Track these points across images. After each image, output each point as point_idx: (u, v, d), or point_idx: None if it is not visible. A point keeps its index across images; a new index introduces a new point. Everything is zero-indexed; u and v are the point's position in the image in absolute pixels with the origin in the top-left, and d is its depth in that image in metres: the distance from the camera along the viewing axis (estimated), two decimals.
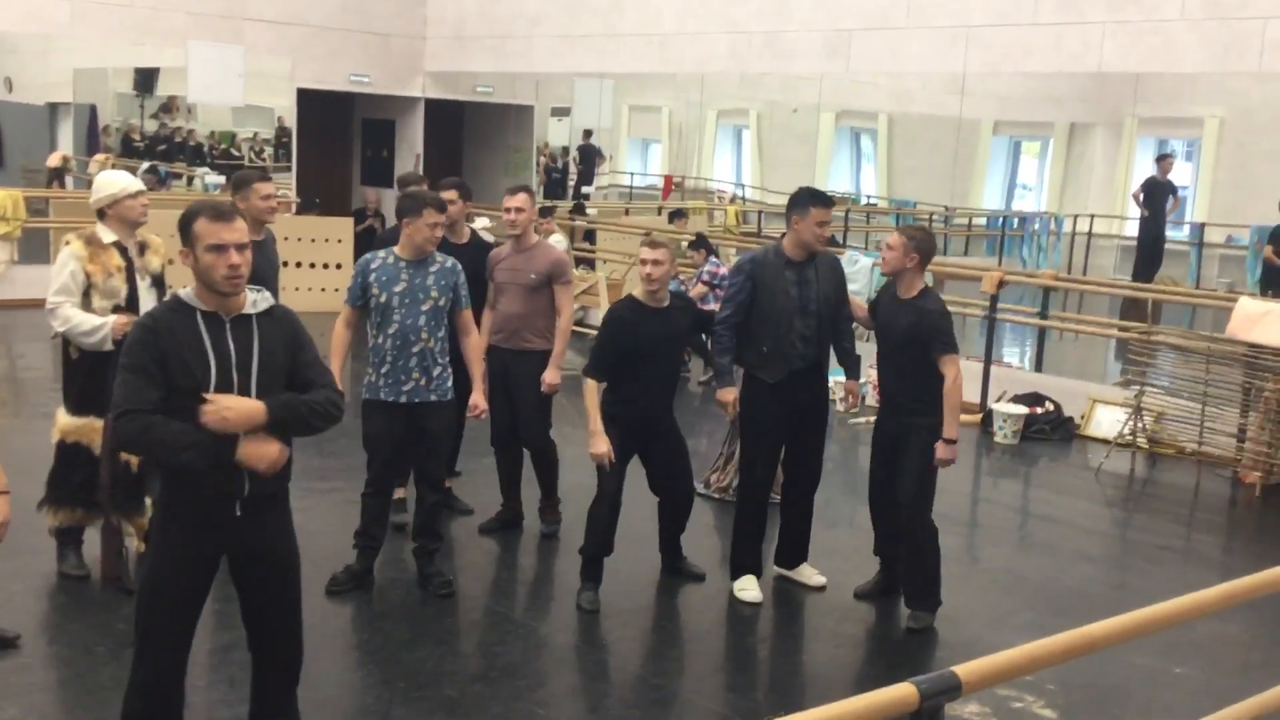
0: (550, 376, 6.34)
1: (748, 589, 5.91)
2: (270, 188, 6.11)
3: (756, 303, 5.74)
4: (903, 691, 2.35)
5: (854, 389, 6.25)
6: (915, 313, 5.58)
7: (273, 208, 6.06)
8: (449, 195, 6.47)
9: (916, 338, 5.55)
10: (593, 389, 5.67)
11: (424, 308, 5.61)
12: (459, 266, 5.82)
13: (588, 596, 5.73)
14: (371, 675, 4.91)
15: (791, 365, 5.76)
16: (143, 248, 5.42)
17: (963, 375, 5.60)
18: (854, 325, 6.09)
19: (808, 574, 6.14)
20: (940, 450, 5.57)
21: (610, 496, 5.73)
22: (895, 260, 5.65)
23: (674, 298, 5.83)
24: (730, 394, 5.89)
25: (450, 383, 5.77)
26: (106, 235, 5.33)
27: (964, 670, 2.46)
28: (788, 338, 5.72)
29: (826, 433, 6.11)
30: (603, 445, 5.58)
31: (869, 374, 9.37)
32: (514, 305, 6.43)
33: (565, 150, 19.76)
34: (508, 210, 6.47)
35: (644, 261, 5.61)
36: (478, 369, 5.99)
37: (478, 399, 5.96)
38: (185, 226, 3.60)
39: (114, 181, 5.42)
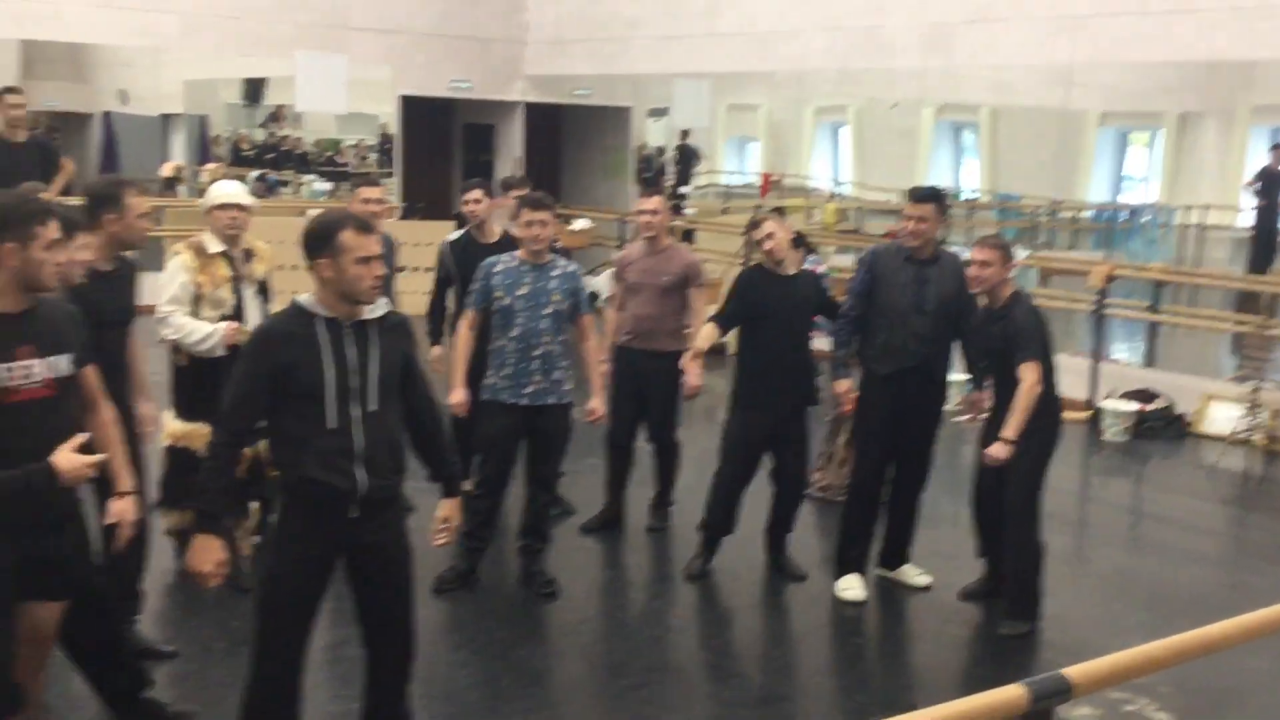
0: (694, 380, 6.11)
1: (851, 588, 5.88)
2: (374, 192, 6.29)
3: (874, 295, 5.79)
4: (1013, 693, 2.32)
5: (977, 401, 5.85)
6: (1004, 325, 5.49)
7: (374, 212, 6.18)
8: (474, 195, 6.65)
9: (1008, 350, 5.48)
10: (710, 330, 5.96)
11: (546, 311, 5.64)
12: (579, 271, 5.90)
13: (696, 564, 6.01)
14: (477, 673, 4.97)
15: (903, 362, 5.74)
16: (248, 255, 5.53)
17: (1040, 385, 5.39)
18: None
19: (910, 574, 6.09)
20: (995, 448, 5.44)
21: (730, 477, 5.94)
22: (993, 275, 5.48)
23: (802, 271, 6.11)
24: (844, 385, 5.94)
25: (569, 385, 5.81)
26: (213, 245, 5.42)
27: (1075, 672, 2.42)
28: (901, 333, 5.72)
29: (936, 435, 6.02)
30: (695, 373, 5.95)
31: None
32: (648, 307, 6.51)
33: (660, 150, 19.79)
34: (641, 213, 6.64)
35: (763, 237, 5.87)
36: (597, 373, 6.01)
37: (596, 404, 5.96)
38: (327, 237, 3.63)
39: (210, 191, 5.60)
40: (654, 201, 6.58)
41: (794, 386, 5.92)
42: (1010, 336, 5.45)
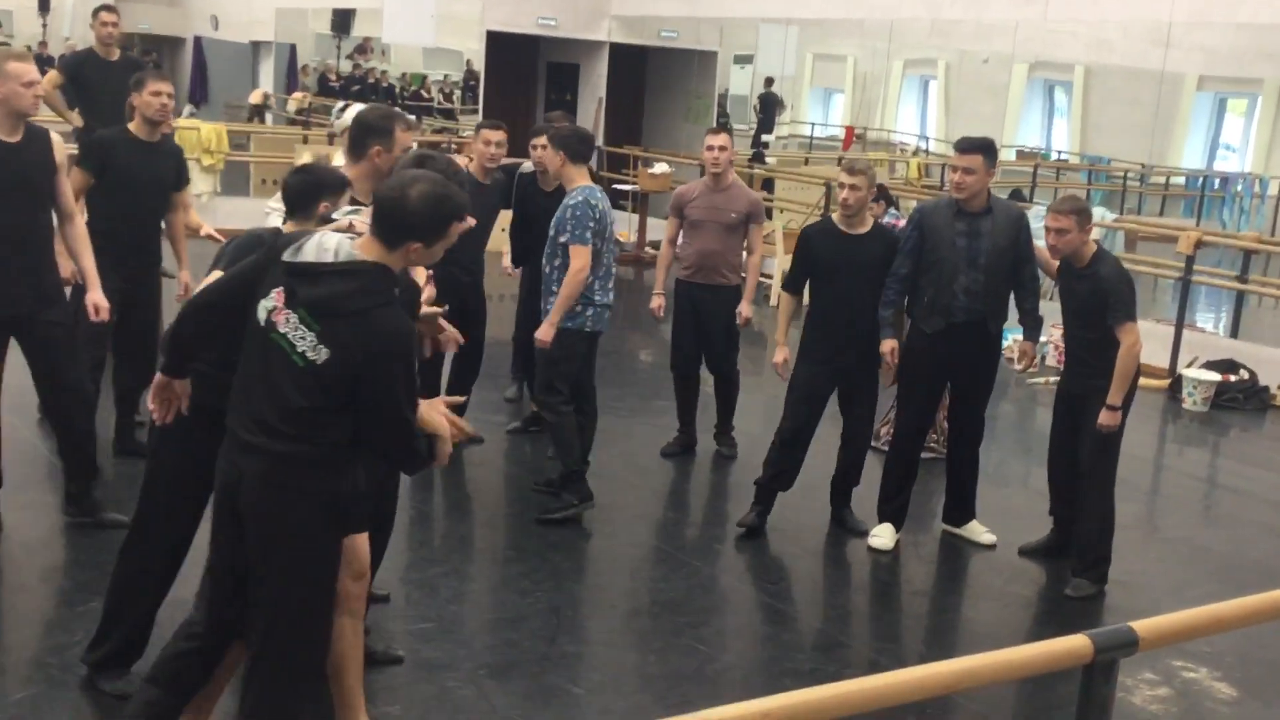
0: (746, 310, 6.76)
1: (879, 535, 5.87)
2: (497, 134, 6.53)
3: (923, 252, 5.64)
4: (1077, 643, 2.30)
5: (1029, 350, 5.90)
6: (1093, 281, 5.40)
7: (494, 155, 6.49)
8: (540, 140, 6.57)
9: (1096, 306, 5.39)
10: (786, 302, 6.01)
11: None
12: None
13: (749, 516, 5.92)
14: (538, 603, 5.03)
15: (952, 318, 5.62)
16: None
17: (1141, 344, 5.39)
18: (1040, 283, 5.88)
19: (976, 531, 6.02)
20: (1103, 416, 5.39)
21: (792, 431, 5.85)
22: (1073, 241, 5.39)
23: (877, 229, 5.87)
24: (888, 344, 5.73)
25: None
26: (336, 158, 5.48)
27: (1142, 626, 2.40)
28: (949, 289, 5.59)
29: (990, 389, 5.93)
30: (780, 355, 6.05)
31: (1050, 333, 9.11)
32: (711, 242, 6.74)
33: (723, 97, 19.57)
34: (710, 148, 6.76)
35: (841, 186, 5.71)
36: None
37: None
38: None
39: (347, 116, 5.65)
40: (721, 138, 6.75)
41: (860, 343, 5.78)
42: (1101, 296, 5.37)
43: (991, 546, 5.95)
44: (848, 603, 5.55)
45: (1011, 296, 5.82)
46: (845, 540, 6.02)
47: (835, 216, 5.88)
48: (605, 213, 5.85)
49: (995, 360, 5.87)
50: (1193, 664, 4.88)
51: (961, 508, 6.06)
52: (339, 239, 3.12)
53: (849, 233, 5.76)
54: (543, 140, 6.46)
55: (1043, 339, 8.33)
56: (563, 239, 5.75)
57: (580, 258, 5.72)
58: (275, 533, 3.17)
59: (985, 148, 5.59)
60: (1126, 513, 6.27)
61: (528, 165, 6.98)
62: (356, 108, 5.73)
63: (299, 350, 3.09)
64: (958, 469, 6.03)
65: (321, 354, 3.07)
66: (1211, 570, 6.03)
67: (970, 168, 5.52)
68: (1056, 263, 5.68)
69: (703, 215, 6.72)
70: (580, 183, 5.81)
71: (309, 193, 3.93)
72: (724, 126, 6.78)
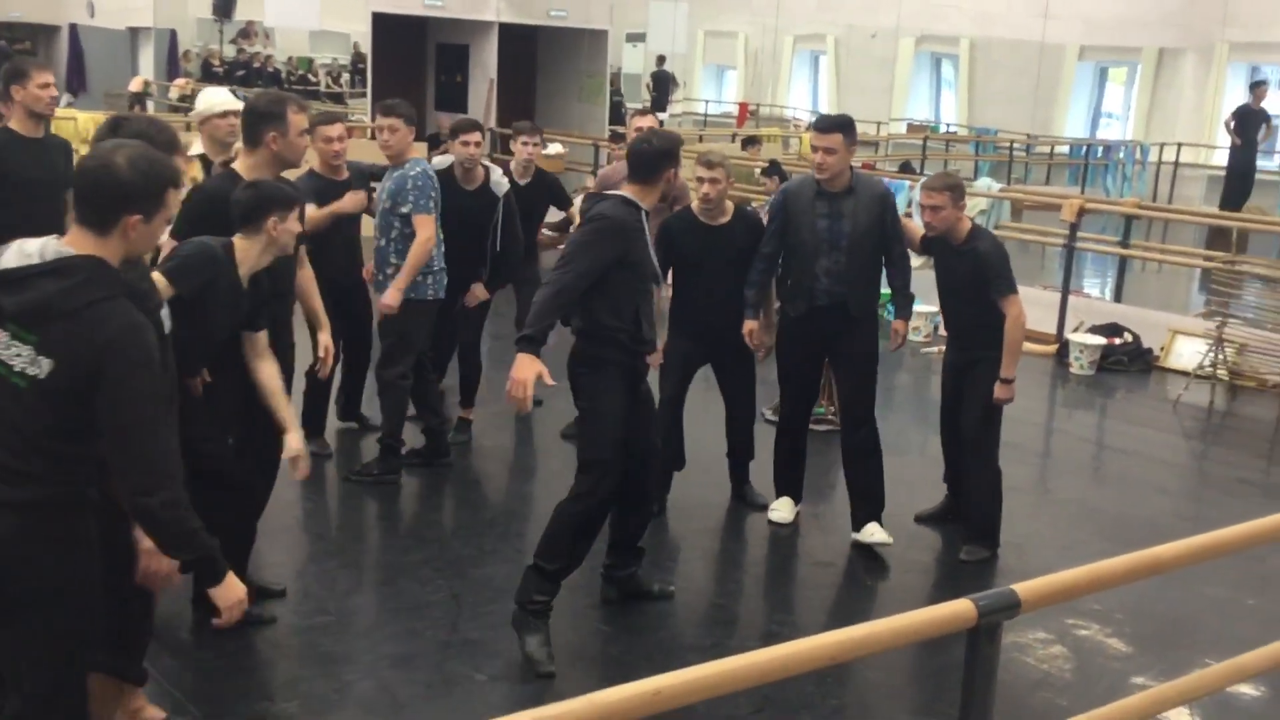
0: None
1: (778, 509, 5.91)
2: (335, 130, 6.09)
3: (785, 234, 5.57)
4: (961, 607, 2.33)
5: (900, 329, 5.76)
6: (973, 258, 5.46)
7: (335, 150, 6.03)
8: (474, 137, 6.53)
9: (976, 281, 5.47)
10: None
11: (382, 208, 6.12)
12: (409, 174, 5.99)
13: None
14: (439, 591, 4.99)
15: (815, 300, 5.52)
16: (227, 164, 5.45)
17: (1024, 314, 5.50)
18: (909, 260, 5.74)
19: (870, 532, 5.65)
20: (998, 390, 5.50)
21: (667, 403, 5.79)
22: (947, 217, 5.45)
23: (739, 217, 5.79)
24: (750, 325, 5.66)
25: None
26: (194, 148, 5.37)
27: (1024, 588, 2.44)
28: (811, 271, 5.48)
29: (870, 375, 5.66)
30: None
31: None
32: None
33: (617, 74, 19.56)
34: (638, 130, 6.55)
35: (700, 180, 5.61)
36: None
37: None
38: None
39: (205, 98, 5.51)
40: (649, 120, 6.68)
41: (720, 326, 5.72)
42: (981, 271, 5.44)
43: (884, 544, 5.64)
44: (748, 577, 5.59)
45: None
46: (746, 515, 6.06)
47: (695, 208, 5.74)
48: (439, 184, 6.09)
49: (871, 340, 5.67)
50: (1084, 621, 5.01)
51: (862, 507, 5.71)
52: (44, 240, 2.73)
53: (710, 224, 5.69)
54: (476, 137, 6.49)
55: (932, 308, 8.43)
56: (405, 209, 5.93)
57: (426, 227, 5.93)
58: (22, 593, 2.74)
59: (844, 126, 5.45)
60: (1018, 476, 6.40)
61: (440, 161, 6.85)
62: (206, 91, 5.63)
63: (16, 370, 2.68)
64: (849, 461, 5.76)
65: (43, 366, 2.66)
66: (1101, 529, 6.18)
67: (830, 147, 5.38)
68: (919, 236, 5.75)
69: None
70: (413, 155, 6.06)
71: (260, 207, 3.91)
72: (649, 108, 6.72)
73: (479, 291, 6.61)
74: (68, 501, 2.77)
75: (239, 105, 5.45)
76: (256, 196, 3.99)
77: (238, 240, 3.98)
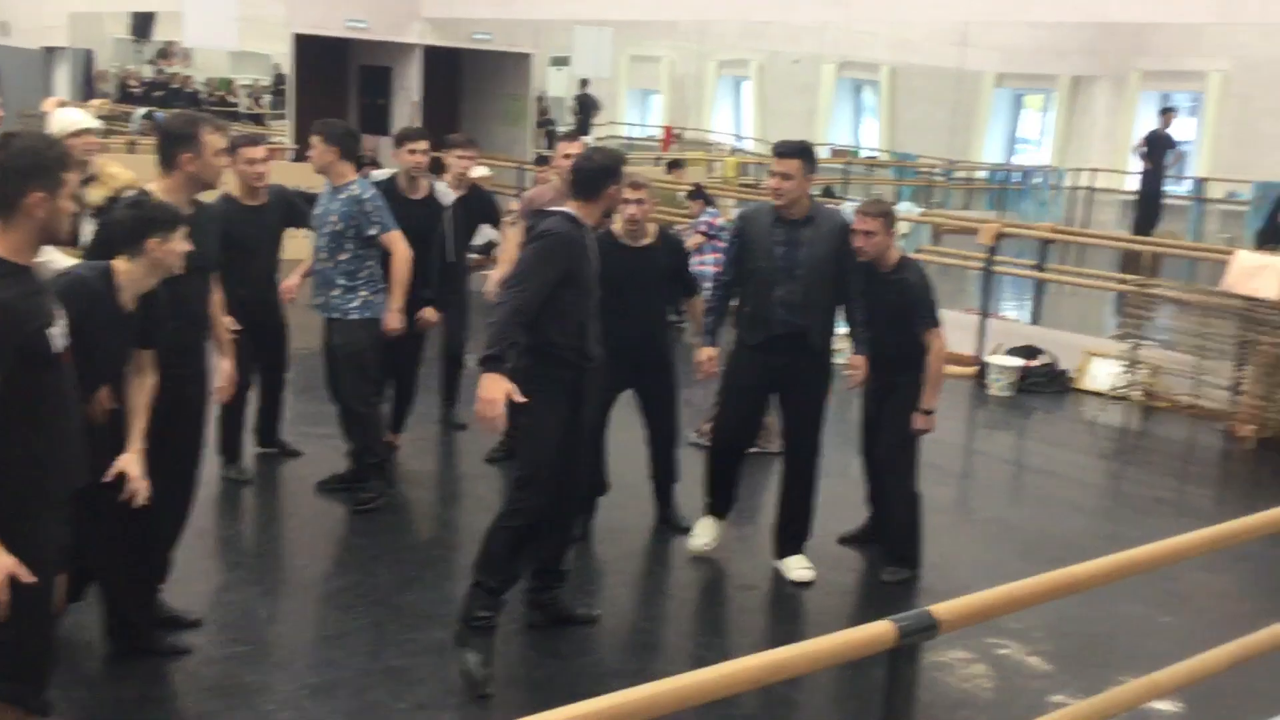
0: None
1: (698, 534, 5.80)
2: (258, 151, 6.17)
3: (743, 261, 5.50)
4: (881, 629, 2.35)
5: (859, 364, 5.57)
6: (899, 287, 5.51)
7: (259, 173, 6.10)
8: (422, 145, 6.53)
9: (902, 310, 5.52)
10: None
11: (324, 230, 6.02)
12: (362, 196, 5.94)
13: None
14: (361, 618, 4.92)
15: (772, 330, 5.41)
16: (88, 180, 5.36)
17: (945, 347, 5.58)
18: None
19: (791, 566, 5.65)
20: (919, 420, 5.57)
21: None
22: (879, 243, 5.46)
23: (661, 238, 5.82)
24: (705, 353, 5.65)
25: (354, 303, 5.96)
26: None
27: (941, 609, 2.47)
28: (768, 299, 5.38)
29: (821, 410, 5.58)
30: None
31: None
32: None
33: (541, 99, 19.53)
34: (567, 156, 6.54)
35: (626, 201, 5.48)
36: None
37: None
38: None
39: (58, 119, 5.49)
40: (577, 146, 6.58)
41: (642, 348, 5.71)
42: (908, 302, 5.51)
43: (804, 584, 5.58)
44: (673, 601, 5.58)
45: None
46: (670, 538, 6.06)
47: (617, 229, 5.68)
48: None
49: (824, 377, 5.57)
50: (1004, 640, 5.07)
51: (788, 538, 5.70)
52: None
53: (633, 246, 5.68)
54: (424, 145, 6.49)
55: None
56: (371, 233, 5.88)
57: (400, 242, 5.91)
58: None
59: (803, 151, 5.37)
60: (939, 496, 6.48)
61: (378, 174, 6.81)
62: (59, 113, 5.59)
63: None
64: (786, 493, 5.70)
65: None
66: (1020, 548, 6.27)
67: (787, 173, 5.29)
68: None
69: None
70: (351, 177, 5.94)
71: (141, 228, 3.82)
72: (578, 134, 6.70)
73: (429, 315, 6.52)
74: None
75: (95, 124, 5.49)
76: (137, 217, 3.88)
77: (119, 263, 3.85)
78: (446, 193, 6.64)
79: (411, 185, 6.49)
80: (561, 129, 18.18)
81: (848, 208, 10.88)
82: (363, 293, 5.94)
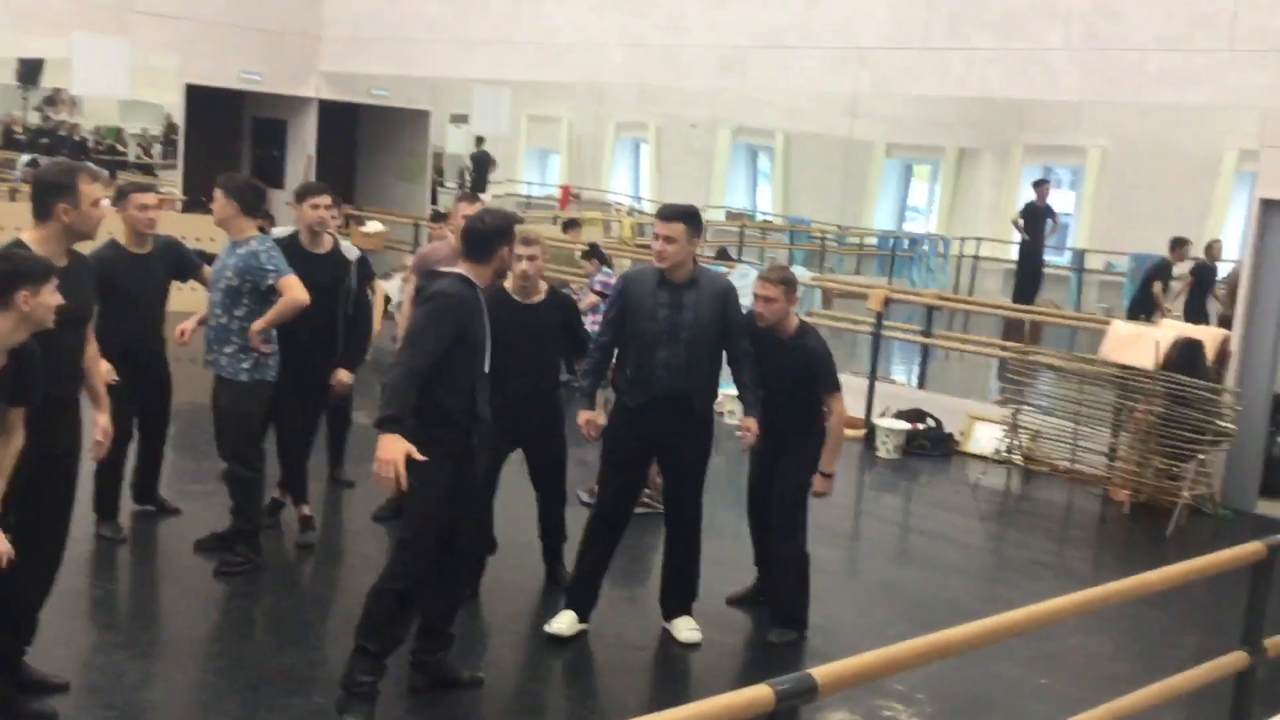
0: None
1: (558, 622, 5.54)
2: (150, 198, 6.10)
3: (624, 323, 5.44)
4: (759, 693, 2.35)
5: (751, 425, 5.50)
6: (802, 354, 5.59)
7: (150, 219, 6.05)
8: (325, 200, 6.45)
9: (802, 375, 5.60)
10: None
11: (219, 286, 5.89)
12: (259, 251, 5.87)
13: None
14: (234, 682, 4.78)
15: (654, 393, 5.36)
16: None
17: (846, 411, 5.68)
18: (753, 355, 5.56)
19: (681, 628, 5.63)
20: (818, 484, 5.68)
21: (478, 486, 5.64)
22: (780, 310, 5.53)
23: (551, 296, 5.84)
24: (585, 415, 5.58)
25: (245, 364, 5.87)
26: None
27: (821, 672, 2.48)
28: (650, 362, 5.33)
29: (703, 471, 5.57)
30: None
31: None
32: None
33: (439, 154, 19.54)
34: (466, 218, 6.45)
35: (519, 257, 5.50)
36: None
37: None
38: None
39: None
40: (475, 206, 6.56)
41: (532, 407, 5.69)
42: (810, 367, 5.59)
43: (693, 645, 5.56)
44: (560, 661, 5.51)
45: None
46: (559, 598, 5.98)
47: (510, 285, 5.66)
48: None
49: (706, 440, 5.54)
50: (888, 701, 5.11)
51: (675, 598, 5.68)
52: None
53: (524, 302, 5.69)
54: (328, 200, 6.41)
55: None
56: (270, 281, 5.78)
57: (295, 285, 5.80)
58: None
59: (688, 216, 5.35)
60: (827, 557, 6.54)
61: (278, 231, 6.71)
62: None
63: None
64: (671, 554, 5.67)
65: None
66: (905, 610, 6.34)
67: (671, 236, 5.26)
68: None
69: None
70: (252, 233, 5.89)
71: (10, 280, 3.70)
72: (476, 195, 6.68)
73: (344, 377, 6.37)
74: None
75: None
76: (6, 269, 3.77)
77: None
78: (352, 249, 6.56)
79: (314, 240, 6.39)
80: (450, 185, 18.17)
81: (743, 270, 11.07)
82: (254, 355, 5.83)
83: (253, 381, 5.82)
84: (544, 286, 5.80)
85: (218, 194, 5.94)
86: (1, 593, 4.03)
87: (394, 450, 4.23)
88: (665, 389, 5.35)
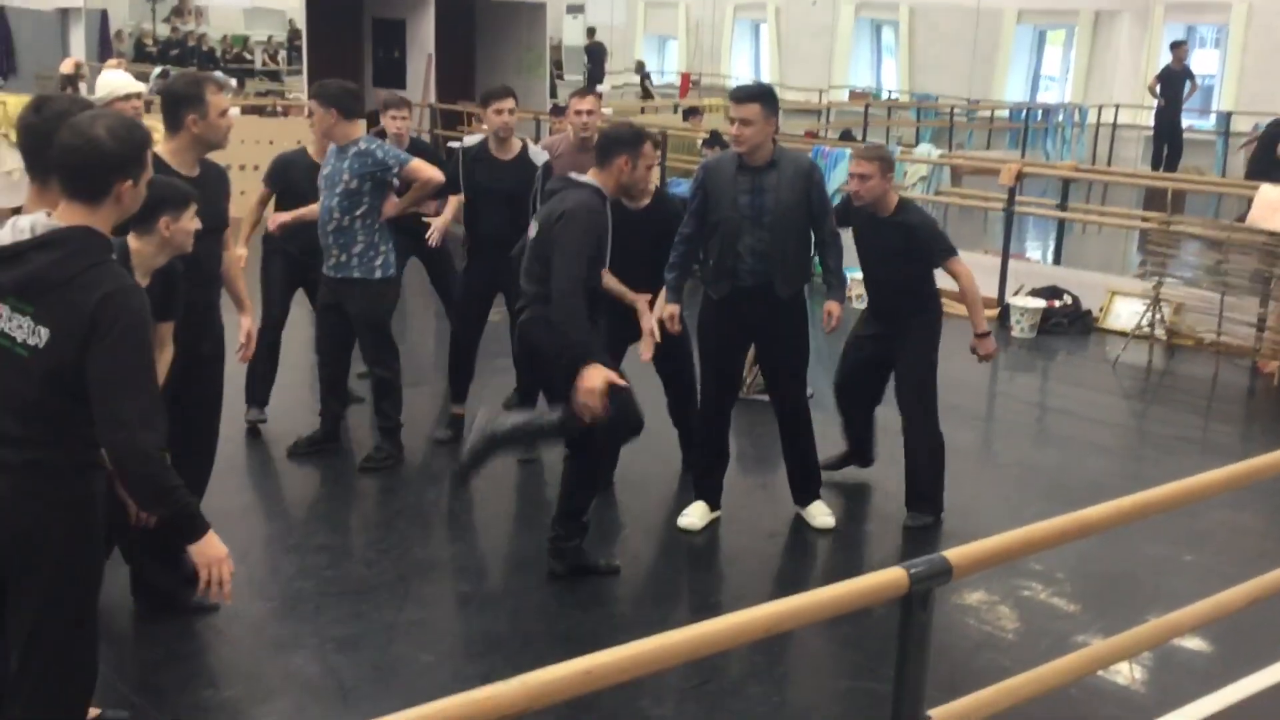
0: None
1: (689, 515, 5.57)
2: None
3: (706, 212, 5.28)
4: (893, 576, 2.35)
5: (834, 310, 5.40)
6: (904, 231, 5.47)
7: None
8: (509, 104, 6.41)
9: (908, 252, 5.48)
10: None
11: (338, 190, 5.86)
12: (376, 150, 5.87)
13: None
14: (385, 573, 4.96)
15: (739, 281, 5.24)
16: None
17: (971, 272, 5.56)
18: (841, 238, 5.50)
19: (814, 514, 5.65)
20: (980, 345, 5.63)
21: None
22: (876, 186, 5.40)
23: (658, 200, 5.80)
24: (669, 309, 5.43)
25: (377, 260, 5.94)
26: None
27: (955, 554, 2.46)
28: (734, 250, 5.20)
29: (803, 361, 5.52)
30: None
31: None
32: None
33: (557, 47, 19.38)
34: (578, 113, 6.54)
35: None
36: None
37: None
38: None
39: (107, 83, 5.52)
40: (589, 101, 6.58)
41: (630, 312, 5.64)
42: (918, 240, 5.48)
43: (826, 531, 5.60)
44: (694, 550, 5.57)
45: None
46: (692, 487, 6.06)
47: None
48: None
49: (800, 326, 5.43)
50: (1026, 582, 5.07)
51: (801, 487, 5.71)
52: (35, 216, 2.89)
53: (630, 208, 5.52)
54: (511, 104, 6.39)
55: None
56: (395, 170, 5.83)
57: (425, 166, 5.87)
58: (31, 553, 2.89)
59: (762, 95, 5.20)
60: (962, 440, 6.46)
61: (470, 139, 6.67)
62: (105, 75, 5.67)
63: (19, 341, 2.84)
64: (789, 455, 5.67)
65: (42, 336, 2.81)
66: (1044, 491, 6.25)
67: (747, 118, 5.07)
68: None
69: (568, 173, 6.54)
70: (358, 134, 5.89)
71: (152, 207, 3.79)
72: (590, 89, 6.65)
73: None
74: (72, 465, 2.91)
75: (141, 87, 5.52)
76: (150, 196, 3.87)
77: (131, 240, 3.83)
78: (540, 153, 6.42)
79: (501, 146, 6.34)
80: (571, 77, 18.02)
81: (925, 149, 10.83)
82: (383, 249, 5.89)
83: (385, 278, 5.90)
84: (651, 189, 5.68)
85: (314, 105, 5.92)
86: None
87: (597, 379, 4.47)
88: (750, 276, 5.24)
